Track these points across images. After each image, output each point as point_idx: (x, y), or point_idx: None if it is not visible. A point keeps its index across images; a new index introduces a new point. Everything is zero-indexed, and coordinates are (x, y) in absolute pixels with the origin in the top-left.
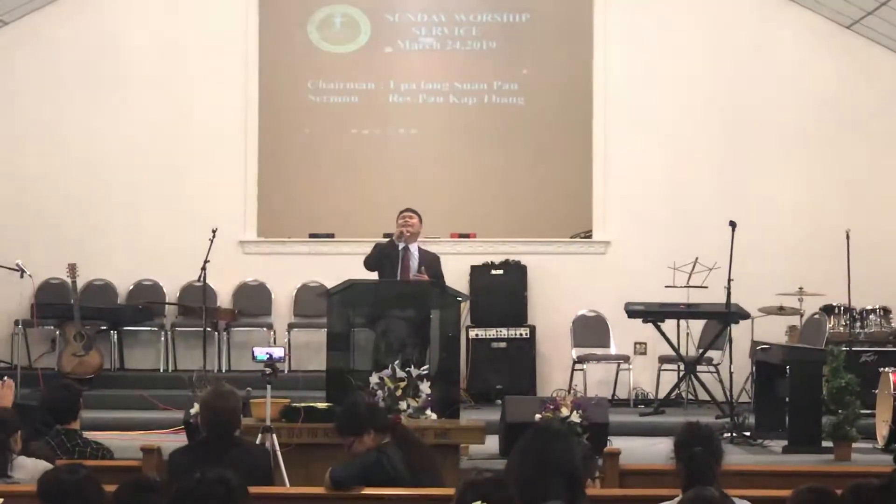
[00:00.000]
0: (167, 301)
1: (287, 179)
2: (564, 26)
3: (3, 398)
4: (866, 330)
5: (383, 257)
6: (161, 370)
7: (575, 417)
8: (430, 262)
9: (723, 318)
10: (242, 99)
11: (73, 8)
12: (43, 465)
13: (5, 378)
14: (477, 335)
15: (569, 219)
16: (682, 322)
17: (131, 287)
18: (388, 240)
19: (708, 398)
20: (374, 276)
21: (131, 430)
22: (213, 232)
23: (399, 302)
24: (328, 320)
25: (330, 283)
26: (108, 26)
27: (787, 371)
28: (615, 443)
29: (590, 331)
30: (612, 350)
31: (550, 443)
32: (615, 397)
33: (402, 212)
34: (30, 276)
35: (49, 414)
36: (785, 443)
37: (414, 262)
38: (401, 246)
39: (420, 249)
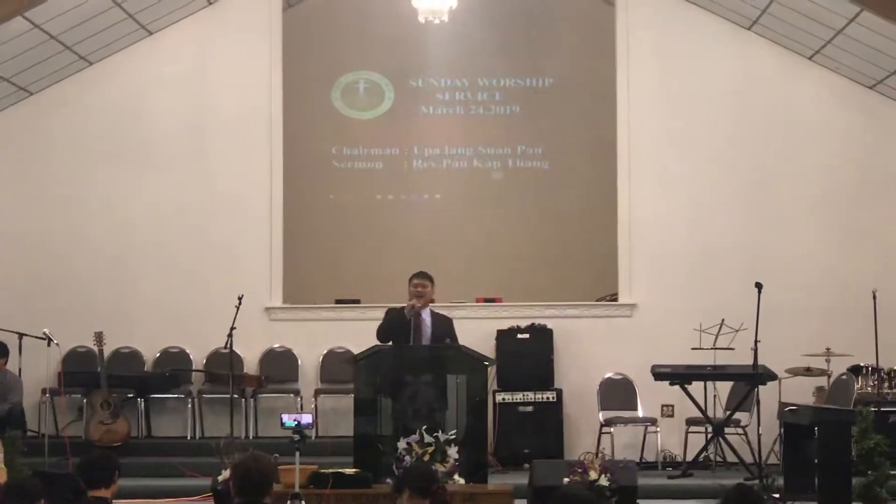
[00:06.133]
0: (194, 368)
1: (312, 245)
2: (588, 90)
3: None
4: (895, 390)
5: (395, 326)
6: (188, 437)
7: (603, 481)
8: (443, 326)
9: (750, 379)
10: (267, 165)
11: (97, 77)
12: None
13: None
14: (504, 399)
15: (594, 282)
16: (709, 384)
17: (158, 354)
18: (401, 306)
19: (736, 460)
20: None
21: (159, 498)
22: (239, 299)
23: (425, 367)
24: (355, 386)
25: (356, 349)
26: (133, 94)
27: (816, 432)
28: None
29: (617, 394)
30: (640, 413)
31: None
32: (643, 460)
33: (413, 278)
34: (57, 344)
35: (82, 476)
36: None
37: (427, 329)
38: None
39: (432, 313)
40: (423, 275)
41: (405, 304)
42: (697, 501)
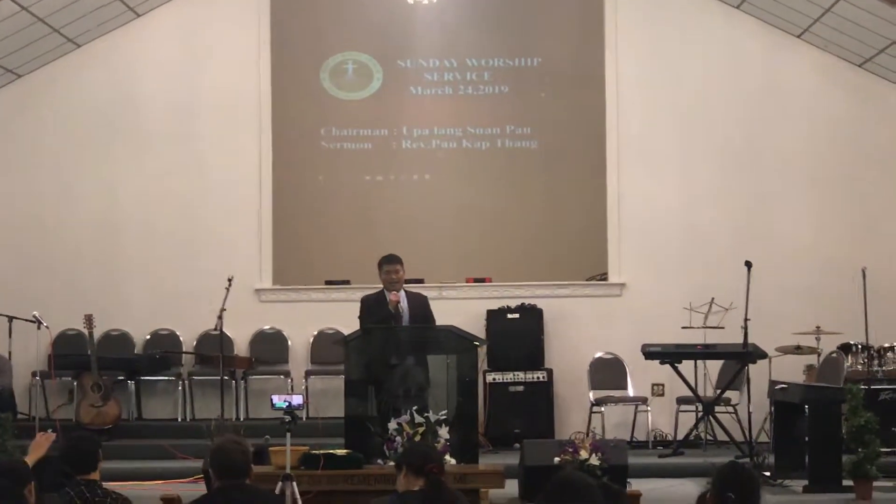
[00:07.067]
0: (184, 350)
1: (302, 227)
2: (576, 69)
3: (37, 446)
4: (884, 368)
5: (376, 314)
6: (179, 419)
7: (594, 460)
8: (420, 305)
9: (740, 358)
10: (256, 147)
11: (87, 60)
12: None
13: (49, 430)
14: (494, 379)
15: (584, 261)
16: (700, 363)
17: (148, 337)
18: (374, 293)
19: (727, 439)
20: None
21: (150, 480)
22: (229, 280)
23: (415, 348)
24: (345, 367)
25: (346, 330)
26: (121, 76)
27: (806, 410)
28: (635, 485)
29: (607, 373)
30: (630, 392)
31: (575, 497)
32: (634, 439)
33: (384, 264)
34: (47, 327)
35: (67, 465)
36: (805, 482)
37: (405, 310)
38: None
39: (407, 294)
40: (393, 259)
41: (378, 290)
42: (688, 480)
